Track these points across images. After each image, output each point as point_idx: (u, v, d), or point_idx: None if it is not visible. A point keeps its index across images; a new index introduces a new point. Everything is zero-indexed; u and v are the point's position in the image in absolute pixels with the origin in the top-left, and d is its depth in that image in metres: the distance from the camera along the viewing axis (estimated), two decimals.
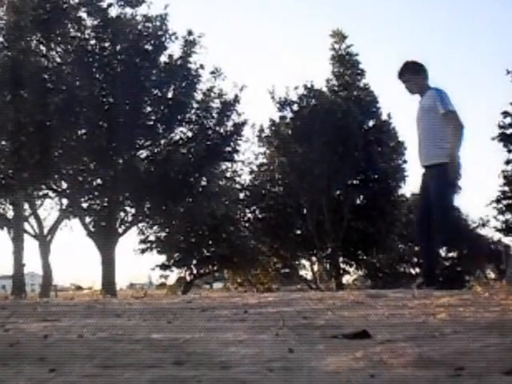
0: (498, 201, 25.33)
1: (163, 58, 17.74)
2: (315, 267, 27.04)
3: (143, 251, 25.73)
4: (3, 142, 17.62)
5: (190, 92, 17.86)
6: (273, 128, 23.91)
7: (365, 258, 26.89)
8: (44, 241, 20.89)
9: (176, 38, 17.78)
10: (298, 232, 25.64)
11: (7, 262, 20.71)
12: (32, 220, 21.57)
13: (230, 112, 18.45)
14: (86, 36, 17.30)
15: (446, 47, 64.51)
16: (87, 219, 18.91)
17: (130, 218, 19.56)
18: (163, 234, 25.62)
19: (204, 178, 19.07)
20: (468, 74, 66.18)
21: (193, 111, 18.36)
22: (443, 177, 4.39)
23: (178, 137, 18.75)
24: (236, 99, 18.41)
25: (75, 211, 18.96)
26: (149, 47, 17.33)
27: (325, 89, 24.94)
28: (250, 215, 26.10)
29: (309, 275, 27.60)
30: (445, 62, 66.17)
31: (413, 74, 4.79)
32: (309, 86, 23.56)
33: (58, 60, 17.31)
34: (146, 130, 17.67)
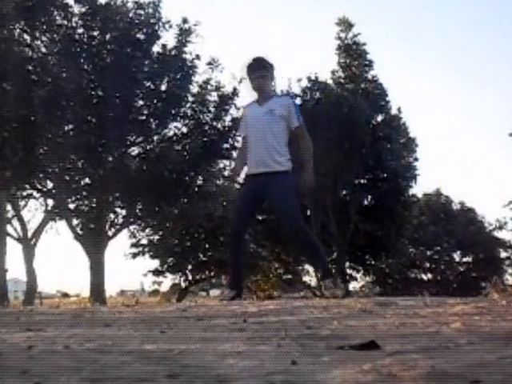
0: None
1: (156, 48, 17.76)
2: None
3: (135, 256, 25.78)
4: None
5: (185, 84, 17.87)
6: None
7: (373, 262, 26.92)
8: (28, 244, 20.94)
9: (170, 27, 17.80)
10: None
11: None
12: (15, 222, 21.64)
13: (227, 106, 18.46)
14: (74, 24, 17.30)
15: (460, 38, 64.57)
16: (74, 221, 18.92)
17: (120, 220, 19.59)
18: (156, 238, 25.67)
19: (200, 177, 19.08)
20: (483, 67, 66.25)
21: (188, 105, 18.38)
22: (291, 183, 4.64)
23: (172, 133, 18.77)
24: (234, 92, 18.42)
25: (61, 213, 18.97)
26: (141, 36, 17.34)
27: (330, 81, 24.93)
28: None
29: (313, 281, 27.60)
30: (459, 54, 66.17)
31: (270, 72, 4.79)
32: (313, 78, 23.54)
33: (44, 50, 17.31)
34: (137, 126, 17.69)
